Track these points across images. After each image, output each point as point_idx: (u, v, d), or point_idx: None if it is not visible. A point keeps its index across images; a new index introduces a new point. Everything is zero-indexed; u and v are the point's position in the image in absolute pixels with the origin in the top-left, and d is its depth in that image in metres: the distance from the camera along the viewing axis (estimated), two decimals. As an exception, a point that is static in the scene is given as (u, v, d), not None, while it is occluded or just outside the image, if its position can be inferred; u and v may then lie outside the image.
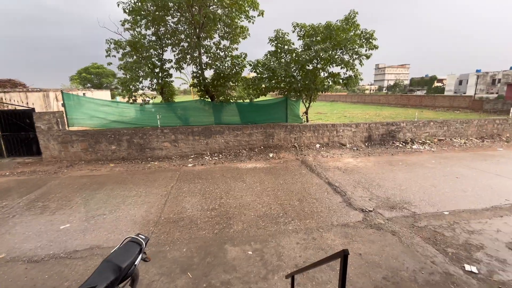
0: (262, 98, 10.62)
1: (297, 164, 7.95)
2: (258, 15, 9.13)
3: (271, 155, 8.88)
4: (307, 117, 10.83)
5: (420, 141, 10.44)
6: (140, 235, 2.50)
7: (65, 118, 8.51)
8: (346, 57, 8.43)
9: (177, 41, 9.82)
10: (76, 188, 6.20)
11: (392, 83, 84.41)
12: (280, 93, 10.03)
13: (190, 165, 8.00)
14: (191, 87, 11.09)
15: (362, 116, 22.36)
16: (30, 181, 6.74)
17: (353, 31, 8.14)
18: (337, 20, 8.33)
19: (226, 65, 9.52)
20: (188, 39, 9.71)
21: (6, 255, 3.62)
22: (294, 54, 9.00)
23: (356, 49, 8.16)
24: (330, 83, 9.05)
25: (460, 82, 57.30)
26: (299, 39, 9.16)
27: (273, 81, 8.96)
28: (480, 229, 4.17)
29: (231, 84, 9.96)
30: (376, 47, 8.25)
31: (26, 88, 17.32)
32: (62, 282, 3.07)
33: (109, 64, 8.91)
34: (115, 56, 8.95)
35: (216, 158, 8.67)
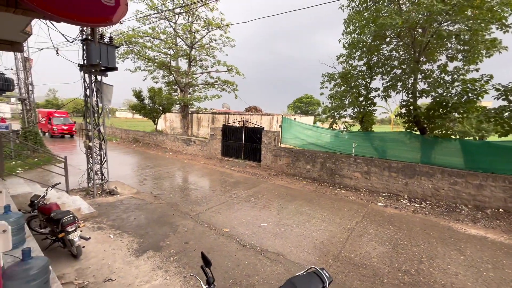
0: (511, 137, 7.14)
1: None
2: (527, 20, 6.29)
3: (520, 227, 5.60)
4: None
5: None
6: (325, 271, 2.34)
7: (280, 136, 10.74)
8: None
9: (388, 69, 9.22)
10: (276, 194, 7.45)
11: None
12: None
13: (380, 204, 6.98)
14: (395, 117, 9.88)
15: None
16: (251, 180, 9.08)
17: None
18: None
19: (453, 91, 7.47)
20: (403, 65, 8.78)
21: (229, 230, 4.97)
22: None
23: None
24: None
25: None
26: None
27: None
28: None
29: (457, 115, 7.63)
30: None
31: (261, 112, 24.39)
32: (254, 274, 3.64)
33: (321, 94, 10.14)
34: (327, 87, 10.03)
35: (417, 205, 6.90)
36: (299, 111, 44.66)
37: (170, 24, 16.53)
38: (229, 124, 14.11)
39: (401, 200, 7.25)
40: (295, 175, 9.77)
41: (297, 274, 2.36)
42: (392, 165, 7.83)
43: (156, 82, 18.24)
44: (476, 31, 6.79)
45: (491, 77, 7.04)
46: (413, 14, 7.30)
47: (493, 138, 7.38)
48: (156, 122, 18.95)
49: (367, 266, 3.96)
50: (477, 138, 10.95)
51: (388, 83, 9.18)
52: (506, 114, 6.45)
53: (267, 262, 3.95)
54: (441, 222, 5.85)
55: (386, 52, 9.54)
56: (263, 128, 11.25)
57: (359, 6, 9.38)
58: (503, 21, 6.66)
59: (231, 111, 26.91)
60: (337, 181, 8.77)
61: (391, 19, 6.99)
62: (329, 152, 9.41)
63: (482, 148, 7.39)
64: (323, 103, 11.34)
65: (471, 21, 6.95)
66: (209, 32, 16.60)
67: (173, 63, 17.45)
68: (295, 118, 20.84)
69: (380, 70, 9.49)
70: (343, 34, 10.06)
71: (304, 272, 2.38)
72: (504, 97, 6.58)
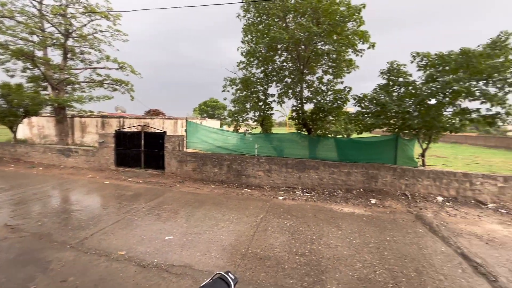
0: (365, 134, 9.56)
1: (409, 219, 6.34)
2: (369, 48, 8.59)
3: (373, 201, 7.54)
4: (423, 160, 8.83)
5: None
6: (229, 274, 2.31)
7: (184, 141, 10.26)
8: (492, 90, 6.47)
9: (281, 78, 10.48)
10: (183, 202, 7.04)
11: (558, 124, 60.61)
12: (389, 130, 8.73)
13: (280, 197, 7.79)
14: (288, 120, 11.39)
15: (505, 166, 16.60)
16: (154, 190, 8.21)
17: (505, 56, 6.26)
18: (478, 45, 6.68)
19: (327, 99, 9.26)
20: (292, 75, 10.18)
21: (126, 253, 4.27)
22: (410, 87, 7.76)
23: (509, 79, 6.16)
24: (463, 121, 7.10)
25: None
26: (418, 69, 7.88)
27: (382, 117, 7.91)
28: None
29: (331, 118, 9.52)
30: (544, 76, 5.97)
31: (164, 116, 22.68)
32: (157, 295, 3.24)
33: (225, 99, 10.37)
34: (229, 91, 10.36)
35: (308, 194, 8.12)
36: (205, 115, 44.43)
37: (31, 2, 12.87)
38: (124, 129, 12.30)
39: (297, 192, 8.34)
40: (203, 180, 9.56)
41: (202, 284, 2.23)
42: (288, 162, 8.90)
43: (12, 76, 13.76)
44: (339, 52, 8.70)
45: (351, 88, 9.18)
46: (297, 32, 8.60)
47: (365, 135, 9.64)
48: (15, 129, 14.24)
49: (271, 257, 4.28)
50: (345, 136, 13.70)
51: (282, 90, 10.43)
52: (361, 117, 8.53)
53: (173, 278, 3.62)
54: (325, 206, 7.10)
55: (279, 63, 10.82)
56: (165, 132, 10.43)
57: (255, 18, 10.22)
58: (355, 47, 8.82)
59: (126, 114, 23.68)
60: (243, 181, 9.18)
61: (280, 33, 7.98)
62: (235, 154, 9.74)
63: (348, 143, 9.51)
64: (227, 107, 11.69)
65: (336, 44, 8.85)
66: (92, 21, 13.98)
67: (40, 53, 13.65)
68: (201, 122, 20.54)
69: (275, 78, 10.67)
70: (242, 43, 10.70)
71: (210, 279, 2.29)
72: (359, 104, 8.71)
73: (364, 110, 8.53)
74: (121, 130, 11.53)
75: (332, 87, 9.67)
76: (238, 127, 10.46)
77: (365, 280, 3.73)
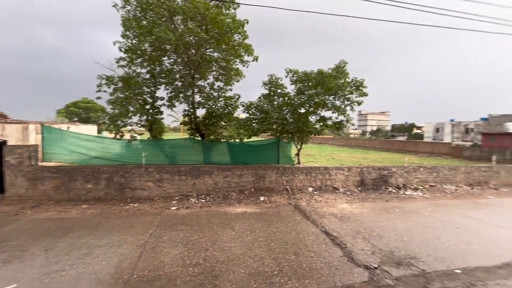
0: (254, 138, 10.50)
1: (290, 209, 7.42)
2: (253, 60, 9.52)
3: (262, 198, 8.34)
4: (298, 159, 10.64)
5: (412, 187, 10.31)
6: None
7: (40, 152, 7.84)
8: (338, 103, 8.67)
9: (171, 80, 9.91)
10: (37, 234, 5.31)
11: (374, 128, 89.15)
12: (272, 134, 9.97)
13: (174, 208, 7.29)
14: (181, 125, 10.93)
15: (349, 159, 22.62)
16: (-17, 224, 5.77)
17: (344, 79, 8.52)
18: (328, 68, 8.78)
19: (219, 105, 9.53)
20: (183, 79, 9.85)
21: None
22: (286, 98, 9.19)
23: (347, 96, 8.44)
24: (322, 127, 9.12)
25: (437, 130, 61.07)
26: (291, 83, 9.47)
27: (266, 123, 8.94)
28: (501, 294, 3.70)
29: (223, 123, 9.86)
30: (366, 94, 8.59)
31: (5, 119, 16.55)
32: None
33: (98, 98, 8.70)
34: (105, 91, 8.77)
35: (203, 200, 8.02)
36: (75, 119, 35.98)
37: None
38: None
39: (191, 199, 8.07)
40: (70, 200, 7.60)
41: None
42: (181, 169, 8.49)
43: None
44: (228, 60, 9.17)
45: (239, 96, 9.85)
46: (186, 35, 8.41)
47: (254, 139, 10.41)
48: None
49: (161, 276, 3.88)
50: (238, 140, 14.51)
51: (172, 94, 9.89)
52: (249, 122, 9.31)
53: None
54: (220, 209, 7.23)
55: (168, 65, 10.19)
56: (4, 142, 7.62)
57: (136, 11, 9.20)
58: (241, 58, 9.56)
59: None
60: (128, 195, 7.99)
61: (166, 33, 7.55)
62: (117, 165, 8.35)
63: (240, 147, 10.15)
64: (105, 110, 9.89)
65: (225, 53, 9.29)
66: None
67: None
68: (68, 128, 16.45)
69: (164, 80, 9.96)
70: (123, 37, 9.36)
71: None
72: (247, 111, 9.48)
73: (251, 116, 9.37)
74: None
75: (223, 94, 10.06)
76: (120, 133, 9.04)
77: (255, 274, 4.00)
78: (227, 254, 4.62)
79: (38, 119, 23.64)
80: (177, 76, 10.13)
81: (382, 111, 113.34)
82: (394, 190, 9.88)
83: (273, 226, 6.03)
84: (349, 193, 9.37)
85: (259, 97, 9.52)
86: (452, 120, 57.95)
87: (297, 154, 10.58)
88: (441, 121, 60.43)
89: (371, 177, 10.14)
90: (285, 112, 8.92)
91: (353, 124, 9.20)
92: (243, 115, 12.55)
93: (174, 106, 10.01)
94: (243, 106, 9.32)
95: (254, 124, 9.10)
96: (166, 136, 11.23)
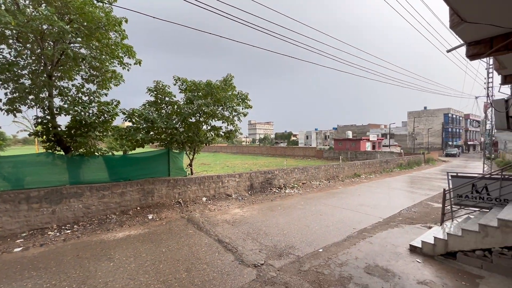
0: (139, 150, 9.37)
1: (182, 224, 7.06)
2: (135, 63, 8.56)
3: (150, 216, 7.51)
4: (191, 169, 10.37)
5: (290, 186, 12.21)
6: None
7: None
8: (227, 113, 9.12)
9: (13, 77, 7.39)
10: None
11: (262, 136, 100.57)
12: (161, 145, 9.24)
13: (18, 249, 5.35)
14: (30, 136, 8.27)
15: (242, 165, 24.31)
16: None
17: (231, 92, 9.09)
18: (216, 80, 9.11)
19: (91, 111, 7.92)
20: (34, 76, 7.57)
21: None
22: (175, 106, 8.81)
23: (234, 107, 9.02)
24: (213, 136, 9.32)
25: (307, 137, 75.97)
26: (180, 92, 9.17)
27: (152, 133, 8.20)
28: (346, 260, 4.90)
29: (97, 133, 8.25)
30: (250, 107, 9.49)
31: None
32: None
33: None
34: None
35: (69, 231, 6.34)
36: None
37: None
38: None
39: (49, 233, 6.20)
40: None
41: None
42: (31, 194, 6.41)
43: None
44: (101, 61, 7.83)
45: (119, 102, 8.56)
46: (37, 22, 6.52)
47: (139, 151, 9.12)
48: None
49: None
50: (121, 152, 12.64)
51: (16, 94, 7.38)
52: (132, 132, 8.24)
53: None
54: (94, 239, 5.93)
55: (8, 55, 7.56)
56: None
57: None
58: (121, 59, 8.41)
59: None
60: None
61: (2, 16, 5.60)
62: None
63: (120, 161, 8.77)
64: None
65: (98, 52, 7.88)
66: None
67: None
68: None
69: (2, 76, 7.31)
70: None
71: None
72: (129, 119, 8.37)
73: (135, 125, 8.35)
74: None
75: (97, 98, 8.46)
76: None
77: (139, 307, 3.49)
78: (101, 292, 3.81)
79: None
80: (25, 72, 7.69)
81: (267, 121, 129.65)
82: (277, 190, 11.35)
83: (162, 246, 5.53)
84: (240, 198, 9.97)
85: (144, 104, 8.65)
86: (316, 129, 74.12)
87: (190, 164, 10.29)
88: (309, 130, 75.97)
89: (259, 180, 11.24)
90: (174, 121, 8.50)
91: (241, 133, 9.93)
92: (129, 124, 11.09)
93: (19, 111, 7.51)
94: (124, 113, 8.17)
95: (139, 134, 8.13)
96: (10, 151, 8.20)
